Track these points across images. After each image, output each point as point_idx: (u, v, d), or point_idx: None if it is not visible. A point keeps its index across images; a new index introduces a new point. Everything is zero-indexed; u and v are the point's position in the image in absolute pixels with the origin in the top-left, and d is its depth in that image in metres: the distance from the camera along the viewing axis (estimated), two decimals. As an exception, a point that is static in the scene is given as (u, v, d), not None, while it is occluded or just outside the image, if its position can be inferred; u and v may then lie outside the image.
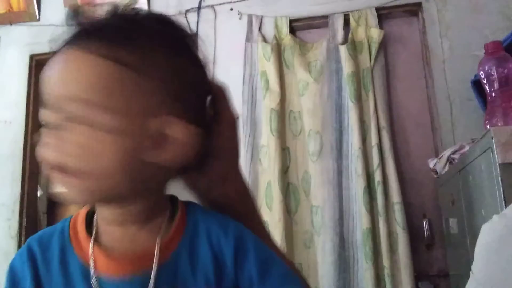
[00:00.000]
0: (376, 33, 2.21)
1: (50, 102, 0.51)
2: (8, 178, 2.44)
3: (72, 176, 0.50)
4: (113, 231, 0.56)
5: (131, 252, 0.55)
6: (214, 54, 2.39)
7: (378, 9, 2.25)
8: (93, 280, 0.53)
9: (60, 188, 0.52)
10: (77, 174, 0.50)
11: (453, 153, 1.77)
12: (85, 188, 0.51)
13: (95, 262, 0.54)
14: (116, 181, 0.51)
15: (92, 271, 0.53)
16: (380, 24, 2.25)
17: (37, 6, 2.68)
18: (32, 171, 2.46)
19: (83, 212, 0.59)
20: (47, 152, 0.51)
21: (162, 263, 0.54)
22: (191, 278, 0.54)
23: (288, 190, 2.14)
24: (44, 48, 2.61)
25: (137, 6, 2.42)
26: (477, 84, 1.81)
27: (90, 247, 0.55)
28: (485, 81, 1.46)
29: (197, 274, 0.55)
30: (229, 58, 2.37)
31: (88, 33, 0.53)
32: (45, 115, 0.52)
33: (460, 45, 2.14)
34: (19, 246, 2.34)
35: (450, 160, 1.77)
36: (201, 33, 2.44)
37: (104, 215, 0.56)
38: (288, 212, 2.11)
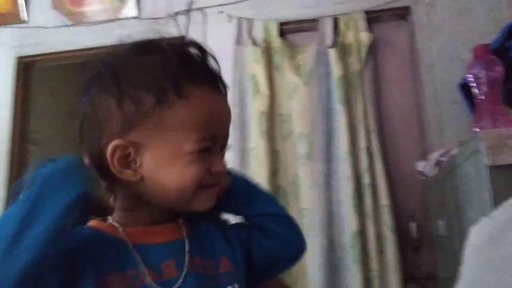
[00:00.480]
0: (365, 37, 2.22)
1: (227, 135, 0.71)
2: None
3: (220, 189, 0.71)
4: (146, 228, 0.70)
5: (160, 229, 0.70)
6: (204, 56, 2.39)
7: (367, 13, 2.26)
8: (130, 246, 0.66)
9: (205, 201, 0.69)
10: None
11: (442, 155, 1.78)
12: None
13: (131, 236, 0.67)
14: None
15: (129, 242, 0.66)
16: (370, 28, 2.26)
17: (26, 8, 2.65)
18: (17, 175, 2.43)
19: (94, 222, 0.70)
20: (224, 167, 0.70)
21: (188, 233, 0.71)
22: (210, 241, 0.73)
23: (277, 192, 2.14)
24: (31, 50, 2.59)
25: (124, 10, 2.40)
26: (465, 87, 1.82)
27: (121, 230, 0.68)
28: (473, 84, 1.47)
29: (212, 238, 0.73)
30: (218, 61, 2.36)
31: (216, 78, 0.70)
32: (226, 138, 0.71)
33: (448, 48, 2.15)
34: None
35: (438, 163, 1.78)
36: (190, 35, 2.43)
37: (148, 217, 0.70)
38: (278, 215, 2.11)
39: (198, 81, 0.66)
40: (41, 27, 2.58)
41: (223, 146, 0.71)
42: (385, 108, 2.25)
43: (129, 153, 0.65)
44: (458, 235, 1.46)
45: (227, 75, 2.30)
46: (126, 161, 0.65)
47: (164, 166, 0.65)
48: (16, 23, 2.63)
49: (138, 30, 2.47)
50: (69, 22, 2.60)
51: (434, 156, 1.82)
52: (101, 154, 0.66)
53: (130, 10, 2.53)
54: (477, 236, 0.74)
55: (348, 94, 2.17)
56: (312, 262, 2.02)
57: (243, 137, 2.23)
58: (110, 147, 0.65)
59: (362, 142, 2.10)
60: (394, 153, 2.19)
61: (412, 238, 2.06)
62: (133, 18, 2.52)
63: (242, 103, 2.28)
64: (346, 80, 2.18)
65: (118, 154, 0.65)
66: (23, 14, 2.64)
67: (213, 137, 0.67)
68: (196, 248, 0.69)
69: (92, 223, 0.69)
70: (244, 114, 2.27)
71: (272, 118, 2.23)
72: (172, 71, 0.65)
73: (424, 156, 2.06)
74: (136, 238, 0.67)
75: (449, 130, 2.06)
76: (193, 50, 0.68)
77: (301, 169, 2.14)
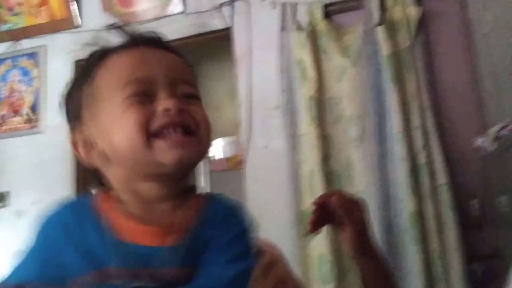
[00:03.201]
0: (414, 11, 2.15)
1: (178, 78, 0.65)
2: (60, 181, 2.55)
3: (195, 138, 0.63)
4: (146, 208, 0.64)
5: (151, 228, 0.63)
6: (250, 46, 2.41)
7: (415, -14, 2.18)
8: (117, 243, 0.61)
9: (172, 149, 0.61)
10: (199, 138, 0.63)
11: (501, 129, 1.70)
12: (198, 151, 0.64)
13: (128, 233, 0.61)
14: (205, 153, 0.66)
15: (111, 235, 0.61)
16: (418, 1, 2.18)
17: (79, 13, 2.78)
18: (83, 174, 2.56)
19: (102, 194, 0.67)
20: (181, 114, 0.62)
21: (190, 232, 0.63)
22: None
23: (331, 177, 2.13)
24: (87, 53, 2.70)
25: (170, 6, 2.46)
26: (523, 56, 1.73)
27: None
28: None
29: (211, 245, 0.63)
30: (265, 49, 2.37)
31: (146, 41, 0.69)
32: (182, 88, 0.65)
33: (504, 16, 2.04)
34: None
35: (498, 137, 1.71)
36: (236, 26, 2.45)
37: (146, 192, 0.64)
38: (332, 199, 2.10)
39: (118, 49, 0.68)
40: (94, 30, 2.70)
41: (178, 91, 0.64)
42: (438, 84, 2.17)
43: (87, 139, 0.66)
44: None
45: (274, 62, 2.33)
46: (88, 149, 0.67)
47: (109, 131, 0.63)
48: (71, 28, 2.77)
49: (185, 25, 2.53)
50: (121, 23, 2.69)
51: (493, 130, 1.75)
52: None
53: (176, 6, 2.59)
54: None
55: (398, 72, 2.12)
56: (370, 244, 2.00)
57: (294, 123, 2.24)
58: (71, 143, 0.68)
59: (416, 121, 2.05)
60: (450, 130, 2.11)
61: (473, 216, 1.99)
62: (179, 13, 2.57)
63: (290, 89, 2.28)
64: (396, 58, 2.13)
65: (80, 143, 0.67)
66: (77, 19, 2.76)
67: (144, 80, 0.63)
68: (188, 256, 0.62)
69: (100, 197, 0.67)
70: (293, 100, 2.27)
71: (322, 102, 2.21)
72: (97, 53, 0.69)
73: (482, 131, 1.97)
74: (123, 232, 0.61)
75: (508, 102, 1.96)
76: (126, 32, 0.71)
77: (353, 152, 2.12)
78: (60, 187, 2.55)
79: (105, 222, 0.62)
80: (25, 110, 2.82)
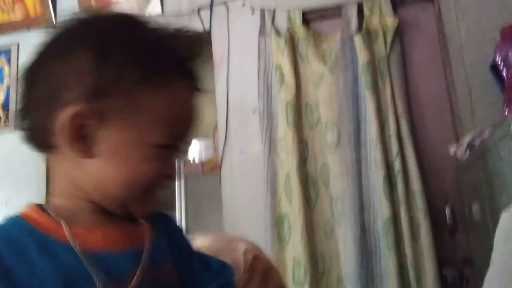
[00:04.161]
0: (390, 21, 2.19)
1: (191, 132, 0.63)
2: (31, 182, 2.49)
3: None
4: (99, 220, 0.60)
5: (116, 231, 0.60)
6: (228, 50, 2.41)
7: (391, -4, 2.22)
8: (78, 251, 0.55)
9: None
10: None
11: (474, 139, 1.75)
12: None
13: (82, 240, 0.56)
14: None
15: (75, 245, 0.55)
16: (395, 11, 2.23)
17: (53, 11, 2.72)
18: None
19: (31, 209, 0.59)
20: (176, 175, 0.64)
21: (150, 241, 0.61)
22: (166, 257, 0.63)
23: (307, 181, 2.15)
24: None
25: (149, 7, 2.43)
26: (496, 69, 1.78)
27: (66, 230, 0.56)
28: (502, 67, 1.43)
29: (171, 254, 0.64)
30: (243, 54, 2.38)
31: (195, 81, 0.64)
32: (187, 143, 0.64)
33: (477, 29, 2.10)
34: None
35: (470, 147, 1.76)
36: (214, 30, 2.45)
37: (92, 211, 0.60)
38: (308, 203, 2.12)
39: (186, 77, 0.61)
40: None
41: (180, 150, 0.63)
42: (414, 92, 2.22)
43: (87, 126, 0.57)
44: (492, 219, 1.44)
45: (252, 67, 2.33)
46: (80, 133, 0.57)
47: (121, 152, 0.57)
48: (45, 26, 2.70)
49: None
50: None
51: (466, 139, 1.79)
52: (45, 125, 0.58)
53: (154, 7, 2.56)
54: (506, 222, 0.73)
55: (375, 80, 2.16)
56: (345, 250, 2.03)
57: (271, 128, 2.25)
58: (69, 112, 0.55)
59: (391, 128, 2.09)
60: (425, 138, 2.16)
61: (446, 222, 2.04)
62: (158, 15, 2.55)
63: (268, 94, 2.29)
64: (373, 66, 2.16)
65: (76, 122, 0.56)
66: (51, 18, 2.71)
67: (179, 136, 0.61)
68: (159, 255, 0.62)
69: (30, 212, 0.58)
70: (271, 105, 2.28)
71: (299, 107, 2.23)
72: (172, 57, 0.60)
73: (456, 139, 2.03)
74: (87, 243, 0.56)
75: (481, 112, 2.02)
76: (193, 47, 0.62)
77: (330, 157, 2.14)
78: (30, 188, 2.49)
79: (64, 239, 0.55)
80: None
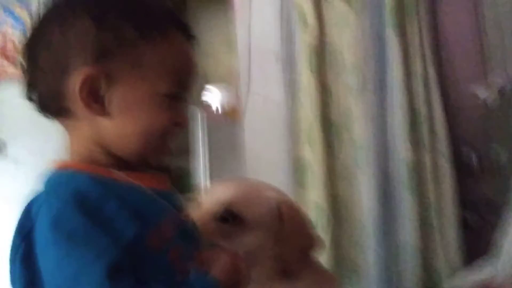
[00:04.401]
0: (419, -43, 2.08)
1: (193, 79, 0.69)
2: (58, 130, 2.53)
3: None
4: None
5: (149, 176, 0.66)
6: (249, -8, 2.34)
7: None
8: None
9: None
10: None
11: (505, 84, 1.70)
12: None
13: (146, 182, 0.63)
14: None
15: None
16: None
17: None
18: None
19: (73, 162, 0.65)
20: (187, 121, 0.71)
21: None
22: None
23: (329, 127, 2.12)
24: None
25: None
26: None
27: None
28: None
29: None
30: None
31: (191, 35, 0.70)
32: (190, 89, 0.69)
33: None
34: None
35: (500, 90, 1.71)
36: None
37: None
38: (330, 149, 2.11)
39: (181, 28, 0.66)
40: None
41: (186, 98, 0.68)
42: (442, 34, 2.13)
43: (99, 87, 0.60)
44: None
45: (273, 9, 2.26)
46: (93, 94, 0.60)
47: (133, 108, 0.61)
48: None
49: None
50: None
51: (495, 83, 1.74)
52: (60, 90, 0.61)
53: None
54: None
55: (402, 21, 2.08)
56: (366, 194, 2.03)
57: (293, 73, 2.21)
58: (80, 76, 0.59)
59: (417, 70, 2.03)
60: (452, 80, 2.09)
61: (469, 166, 2.01)
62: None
63: (289, 37, 2.23)
64: (400, 7, 2.08)
65: (88, 84, 0.60)
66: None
67: (184, 84, 0.65)
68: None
69: (78, 165, 0.63)
70: (292, 49, 2.22)
71: (322, 51, 2.17)
72: (161, 11, 0.65)
73: (484, 84, 1.96)
74: (143, 184, 0.63)
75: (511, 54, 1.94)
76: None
77: (353, 103, 2.11)
78: (58, 137, 2.52)
79: (123, 181, 0.61)
80: (20, 58, 2.76)
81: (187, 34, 0.67)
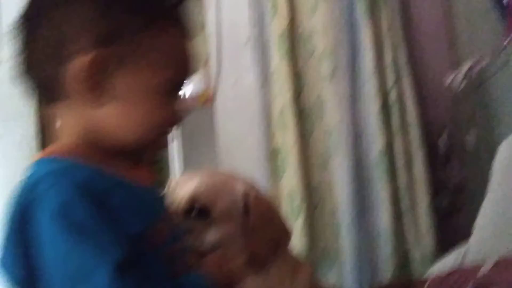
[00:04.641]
0: None
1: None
2: (22, 118, 2.45)
3: None
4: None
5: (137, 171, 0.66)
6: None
7: None
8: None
9: None
10: None
11: (471, 68, 1.71)
12: None
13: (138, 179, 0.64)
14: None
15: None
16: None
17: None
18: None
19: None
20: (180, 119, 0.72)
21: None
22: None
23: (301, 114, 2.11)
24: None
25: None
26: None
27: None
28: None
29: None
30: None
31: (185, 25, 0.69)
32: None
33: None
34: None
35: (468, 75, 1.72)
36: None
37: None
38: (303, 136, 2.10)
39: (181, 24, 0.65)
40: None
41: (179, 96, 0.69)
42: (412, 20, 2.14)
43: (100, 73, 0.58)
44: (488, 149, 1.43)
45: (244, -6, 2.22)
46: (93, 81, 0.58)
47: (132, 97, 0.60)
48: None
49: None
50: None
51: (463, 68, 1.75)
52: (54, 76, 0.59)
53: None
54: (505, 151, 0.72)
55: (372, 7, 2.07)
56: (339, 180, 2.03)
57: (264, 59, 2.18)
58: (83, 61, 0.57)
59: (388, 57, 2.03)
60: (422, 67, 2.11)
61: (441, 152, 2.04)
62: None
63: (261, 23, 2.20)
64: (370, -8, 2.07)
65: (91, 70, 0.58)
66: None
67: (179, 82, 0.66)
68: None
69: (72, 154, 0.60)
70: (264, 35, 2.19)
71: (293, 37, 2.15)
72: (165, 5, 0.64)
73: (454, 69, 1.98)
74: (136, 180, 0.63)
75: (480, 40, 1.95)
76: None
77: (325, 89, 2.10)
78: (21, 124, 2.45)
79: (121, 176, 0.61)
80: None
81: (185, 31, 0.67)
